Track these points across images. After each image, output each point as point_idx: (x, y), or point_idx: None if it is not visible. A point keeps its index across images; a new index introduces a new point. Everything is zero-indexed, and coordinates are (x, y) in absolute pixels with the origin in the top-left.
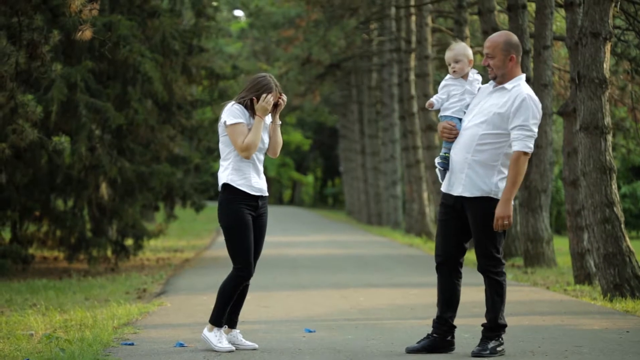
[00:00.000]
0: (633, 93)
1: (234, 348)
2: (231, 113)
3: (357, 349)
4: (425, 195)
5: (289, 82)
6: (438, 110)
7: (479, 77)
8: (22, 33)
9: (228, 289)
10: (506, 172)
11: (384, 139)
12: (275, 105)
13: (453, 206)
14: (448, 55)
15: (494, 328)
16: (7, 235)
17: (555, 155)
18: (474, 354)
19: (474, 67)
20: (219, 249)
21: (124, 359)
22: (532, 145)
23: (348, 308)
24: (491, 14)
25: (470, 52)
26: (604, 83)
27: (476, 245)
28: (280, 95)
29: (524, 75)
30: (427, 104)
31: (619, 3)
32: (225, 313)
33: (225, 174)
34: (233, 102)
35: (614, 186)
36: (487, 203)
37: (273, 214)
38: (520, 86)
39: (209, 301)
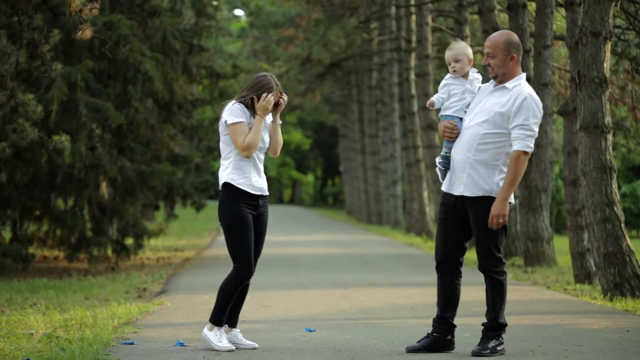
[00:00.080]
0: (633, 92)
1: (234, 347)
2: (232, 112)
3: (358, 348)
4: (425, 194)
5: (289, 81)
6: (438, 110)
7: (479, 76)
8: (23, 32)
9: (228, 288)
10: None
11: (384, 138)
12: (276, 105)
13: (454, 206)
14: (448, 54)
15: (494, 327)
16: (7, 234)
17: (556, 155)
18: (474, 353)
19: (474, 66)
20: (220, 248)
21: (124, 358)
22: (532, 145)
23: (348, 307)
24: (491, 13)
25: (470, 51)
26: (604, 82)
27: (477, 244)
28: (281, 94)
29: (524, 75)
30: (427, 103)
31: (619, 2)
32: (226, 312)
33: (226, 173)
34: (234, 101)
35: (614, 185)
36: (488, 202)
37: (273, 213)
38: (521, 85)
39: (209, 300)
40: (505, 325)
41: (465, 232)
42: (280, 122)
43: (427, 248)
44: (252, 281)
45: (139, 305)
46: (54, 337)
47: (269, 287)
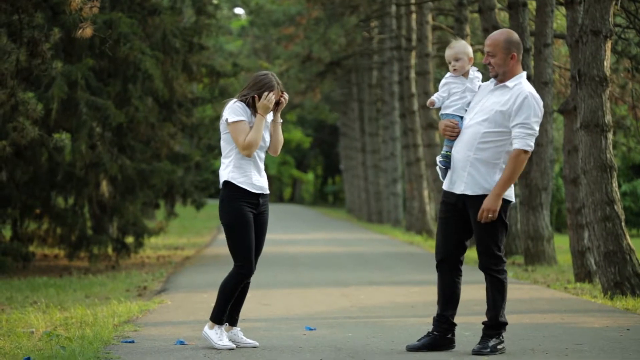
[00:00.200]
0: (633, 91)
1: (234, 346)
2: (233, 111)
3: (358, 346)
4: (425, 193)
5: (290, 79)
6: (439, 108)
7: (480, 75)
8: (23, 31)
9: (229, 287)
10: None
11: (385, 136)
12: (277, 104)
13: (454, 204)
14: (448, 53)
15: (494, 326)
16: (7, 233)
17: (556, 153)
18: (475, 352)
19: (475, 65)
20: (220, 246)
21: (124, 356)
22: (532, 144)
23: (348, 306)
24: (492, 12)
25: (470, 50)
26: (605, 81)
27: (478, 243)
28: (282, 93)
29: (525, 73)
30: (428, 102)
31: (620, 1)
32: (226, 311)
33: (227, 171)
34: (235, 99)
35: (615, 184)
36: None
37: (273, 211)
38: (522, 84)
39: (210, 299)
40: (506, 323)
41: (466, 230)
42: (281, 120)
43: (427, 246)
44: (253, 280)
45: (139, 304)
46: (54, 336)
47: (269, 286)
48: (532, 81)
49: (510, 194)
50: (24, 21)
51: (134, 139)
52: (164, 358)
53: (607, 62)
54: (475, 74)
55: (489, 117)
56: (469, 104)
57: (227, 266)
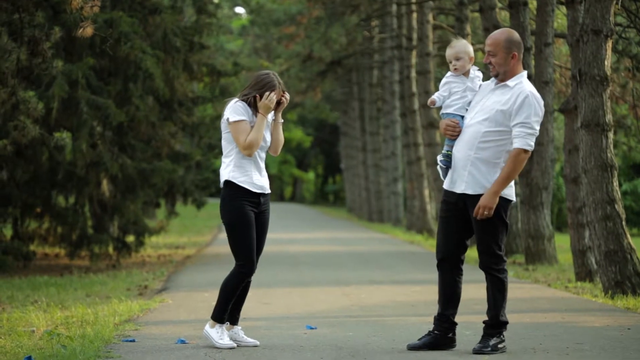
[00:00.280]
0: (634, 90)
1: (235, 345)
2: (234, 110)
3: (359, 345)
4: (426, 192)
5: (290, 79)
6: (439, 108)
7: (480, 74)
8: (24, 30)
9: (230, 286)
10: None
11: (385, 136)
12: (278, 103)
13: (455, 203)
14: (449, 52)
15: (495, 325)
16: (8, 232)
17: (557, 153)
18: (475, 351)
19: (476, 64)
20: (220, 245)
21: (125, 355)
22: (532, 143)
23: (349, 305)
24: (492, 11)
25: (471, 49)
26: (605, 80)
27: (478, 242)
28: (283, 93)
29: (525, 73)
30: (428, 102)
31: (620, 0)
32: (228, 309)
33: (227, 170)
34: (236, 99)
35: (615, 183)
36: None
37: (274, 210)
38: (522, 83)
39: (210, 298)
40: (506, 323)
41: (467, 230)
42: (282, 120)
43: (428, 246)
44: (253, 279)
45: (140, 303)
46: (55, 335)
47: (270, 285)
48: (533, 80)
49: (511, 193)
50: (24, 20)
51: (134, 138)
52: (165, 357)
53: (608, 62)
54: (476, 73)
55: (489, 116)
56: (469, 103)
57: (228, 265)
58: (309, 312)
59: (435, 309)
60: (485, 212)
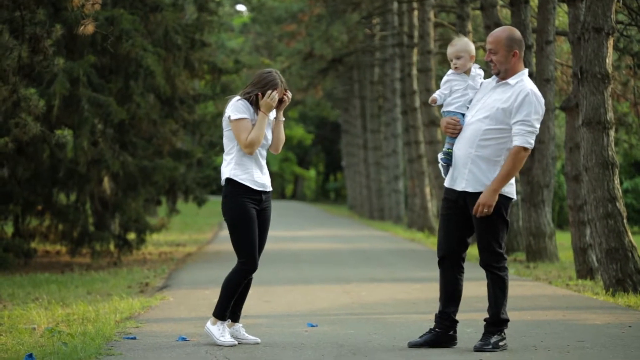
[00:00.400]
0: (635, 88)
1: (236, 342)
2: (236, 108)
3: (360, 343)
4: (427, 190)
5: (292, 76)
6: (440, 106)
7: (481, 72)
8: (25, 27)
9: (233, 283)
10: None
11: (386, 133)
12: (280, 102)
13: (456, 201)
14: (449, 51)
15: (496, 323)
16: (9, 229)
17: (558, 150)
18: (477, 349)
19: (477, 62)
20: (221, 243)
21: (126, 353)
22: (532, 141)
23: (350, 302)
24: (494, 9)
25: (472, 47)
26: (607, 78)
27: (478, 240)
28: (286, 91)
29: (526, 70)
30: (429, 100)
31: None
32: (229, 307)
33: (228, 168)
34: (238, 97)
35: (616, 181)
36: None
37: (275, 208)
38: (523, 81)
39: (211, 295)
40: (507, 320)
41: (467, 227)
42: (283, 119)
43: (429, 243)
44: (255, 276)
45: (141, 300)
46: (56, 332)
47: (271, 282)
48: (534, 78)
49: (511, 190)
50: (25, 18)
51: (135, 136)
52: (166, 354)
53: (609, 59)
54: (477, 71)
55: (490, 114)
56: (470, 101)
57: (229, 263)
58: (310, 310)
59: (436, 306)
60: (485, 210)
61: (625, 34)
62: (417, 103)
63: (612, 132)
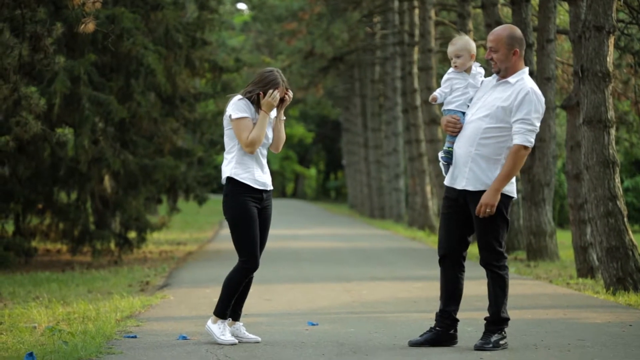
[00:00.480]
0: (636, 87)
1: (236, 341)
2: (237, 107)
3: (360, 342)
4: (428, 188)
5: (292, 75)
6: (441, 104)
7: (482, 71)
8: (26, 25)
9: (234, 281)
10: None
11: (387, 132)
12: (281, 101)
13: (456, 200)
14: (450, 49)
15: (496, 321)
16: (10, 228)
17: (559, 149)
18: (477, 348)
19: (478, 60)
20: (222, 241)
21: (126, 351)
22: (532, 140)
23: (351, 301)
24: (494, 7)
25: (472, 46)
26: (607, 77)
27: (479, 238)
28: (287, 91)
29: (527, 69)
30: (430, 98)
31: None
32: (230, 305)
33: (229, 167)
34: (240, 96)
35: (617, 180)
36: None
37: (276, 207)
38: (524, 80)
39: (212, 294)
40: (508, 319)
41: (468, 226)
42: (284, 118)
43: (429, 242)
44: (255, 275)
45: (141, 299)
46: (56, 331)
47: (271, 281)
48: (535, 77)
49: (512, 189)
50: (26, 16)
51: (136, 134)
52: (167, 353)
53: (610, 58)
54: (477, 69)
55: (490, 112)
56: (471, 99)
57: (230, 261)
58: (311, 309)
59: (436, 305)
60: (488, 210)
61: (626, 32)
62: (418, 101)
63: (612, 131)
